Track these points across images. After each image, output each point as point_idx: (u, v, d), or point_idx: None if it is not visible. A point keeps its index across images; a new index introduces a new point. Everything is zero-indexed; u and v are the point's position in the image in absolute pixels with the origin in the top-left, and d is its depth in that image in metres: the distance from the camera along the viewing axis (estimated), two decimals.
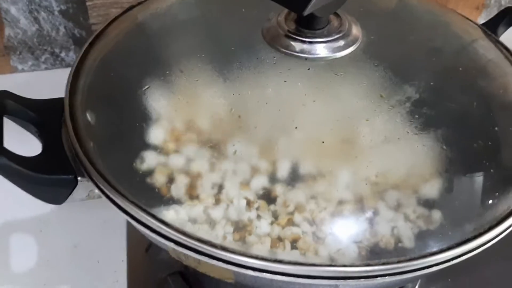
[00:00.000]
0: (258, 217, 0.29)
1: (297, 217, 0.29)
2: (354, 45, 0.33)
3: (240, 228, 0.29)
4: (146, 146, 0.31)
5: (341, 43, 0.33)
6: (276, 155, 0.29)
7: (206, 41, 0.35)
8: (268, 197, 0.29)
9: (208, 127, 0.30)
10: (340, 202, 0.29)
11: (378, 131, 0.29)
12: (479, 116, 0.32)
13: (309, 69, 0.32)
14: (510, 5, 0.67)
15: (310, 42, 0.32)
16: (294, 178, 0.29)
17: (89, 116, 0.34)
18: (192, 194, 0.30)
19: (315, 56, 0.32)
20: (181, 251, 0.28)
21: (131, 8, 0.41)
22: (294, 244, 0.28)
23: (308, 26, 0.33)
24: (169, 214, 0.29)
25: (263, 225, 0.29)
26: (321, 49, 0.32)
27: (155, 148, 0.30)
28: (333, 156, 0.29)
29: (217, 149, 0.29)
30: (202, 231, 0.29)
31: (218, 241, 0.28)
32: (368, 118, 0.29)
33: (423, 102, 0.30)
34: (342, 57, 0.32)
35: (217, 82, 0.32)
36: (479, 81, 0.34)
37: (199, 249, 0.27)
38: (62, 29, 0.62)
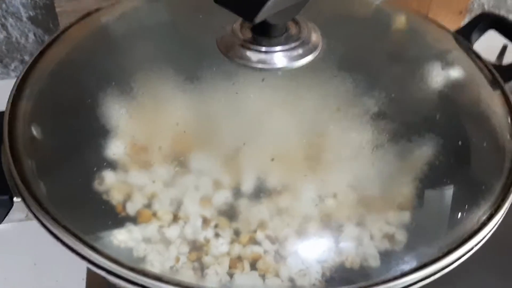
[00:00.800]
0: (216, 235, 0.27)
1: (259, 235, 0.27)
2: (312, 54, 0.31)
3: (197, 248, 0.27)
4: (95, 162, 0.29)
5: (299, 51, 0.31)
6: (217, 172, 0.27)
7: (159, 50, 0.33)
8: (226, 215, 0.27)
9: (151, 143, 0.28)
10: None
11: (332, 146, 0.27)
12: (443, 129, 0.30)
13: (263, 80, 0.30)
14: (493, 9, 0.65)
15: (266, 52, 0.30)
16: (238, 196, 0.27)
17: (34, 130, 0.32)
18: (142, 213, 0.28)
19: (270, 66, 0.30)
20: (114, 281, 0.26)
21: (88, 15, 0.39)
22: (254, 264, 0.26)
23: (263, 34, 0.31)
24: (121, 234, 0.27)
25: (221, 245, 0.27)
26: (277, 59, 0.30)
27: (103, 164, 0.28)
28: (283, 173, 0.27)
29: (154, 166, 0.27)
30: (155, 252, 0.27)
31: (170, 262, 0.26)
32: (322, 133, 0.27)
33: (382, 115, 0.28)
34: (299, 67, 0.30)
35: (165, 95, 0.30)
36: (445, 92, 0.32)
37: (131, 279, 0.25)
38: (31, 36, 0.60)
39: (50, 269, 0.45)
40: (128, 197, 0.28)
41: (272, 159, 0.27)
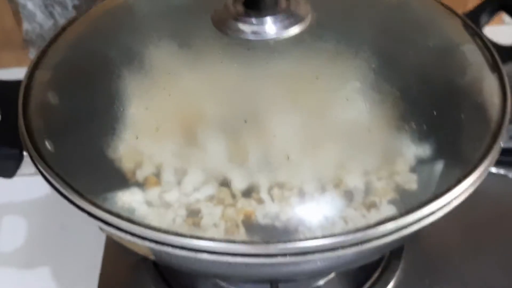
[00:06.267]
0: (216, 199, 0.28)
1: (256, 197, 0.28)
2: (299, 25, 0.32)
3: (195, 212, 0.28)
4: (106, 129, 0.31)
5: (286, 23, 0.32)
6: (193, 140, 0.28)
7: (167, 29, 0.35)
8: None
9: (127, 111, 0.30)
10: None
11: (297, 113, 0.28)
12: (422, 98, 0.30)
13: (248, 49, 0.31)
14: None
15: (253, 23, 0.32)
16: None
17: (49, 96, 0.35)
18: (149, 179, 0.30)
19: (258, 37, 0.32)
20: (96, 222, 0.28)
21: None
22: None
23: (253, 6, 0.32)
24: (125, 196, 0.29)
25: (217, 210, 0.29)
26: (265, 30, 0.32)
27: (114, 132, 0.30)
28: (245, 142, 0.28)
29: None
30: (154, 214, 0.29)
31: (165, 224, 0.28)
32: (296, 98, 0.29)
33: (360, 89, 0.29)
34: (286, 38, 0.32)
35: (164, 67, 0.32)
36: (435, 68, 0.32)
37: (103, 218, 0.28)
38: None
39: (75, 233, 0.49)
40: (137, 165, 0.30)
41: (245, 121, 0.28)
